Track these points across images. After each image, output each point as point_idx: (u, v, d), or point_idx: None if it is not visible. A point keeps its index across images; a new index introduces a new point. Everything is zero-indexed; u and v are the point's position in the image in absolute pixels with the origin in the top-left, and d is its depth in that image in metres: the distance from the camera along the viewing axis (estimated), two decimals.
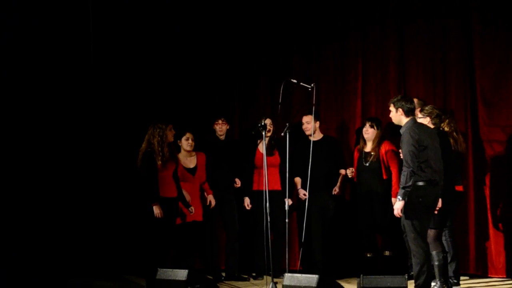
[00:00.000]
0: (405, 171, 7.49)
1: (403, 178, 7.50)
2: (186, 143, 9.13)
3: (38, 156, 9.81)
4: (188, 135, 9.14)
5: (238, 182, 9.45)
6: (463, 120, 9.32)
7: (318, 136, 9.48)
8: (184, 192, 8.91)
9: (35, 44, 9.85)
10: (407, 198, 7.50)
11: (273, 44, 10.15)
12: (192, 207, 8.87)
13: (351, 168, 9.27)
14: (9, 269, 9.34)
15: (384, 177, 8.98)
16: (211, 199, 9.25)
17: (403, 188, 7.50)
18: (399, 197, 7.53)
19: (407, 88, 9.60)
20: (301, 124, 9.50)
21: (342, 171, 9.38)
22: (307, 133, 9.38)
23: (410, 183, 7.45)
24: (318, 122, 9.44)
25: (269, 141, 9.37)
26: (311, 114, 9.23)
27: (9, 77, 9.75)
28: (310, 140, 9.14)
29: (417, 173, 7.49)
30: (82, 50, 9.96)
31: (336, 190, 9.36)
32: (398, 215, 7.62)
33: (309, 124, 9.33)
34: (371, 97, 9.79)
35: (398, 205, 7.55)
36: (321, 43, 9.99)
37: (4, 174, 9.64)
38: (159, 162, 8.55)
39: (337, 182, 9.42)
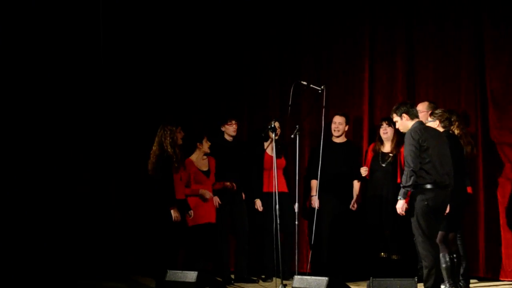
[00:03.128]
0: (406, 171, 7.51)
1: (404, 178, 7.53)
2: (206, 145, 9.13)
3: (47, 158, 9.83)
4: (206, 137, 9.14)
5: (231, 185, 9.39)
6: (473, 123, 9.30)
7: (341, 139, 9.50)
8: (203, 191, 8.93)
9: (45, 46, 9.86)
10: (416, 201, 7.50)
11: (282, 46, 10.15)
12: (191, 211, 8.86)
13: (365, 167, 9.25)
14: (19, 270, 9.36)
15: (398, 180, 8.93)
16: (217, 199, 9.24)
17: (403, 187, 7.51)
18: (399, 196, 7.57)
19: (416, 90, 9.59)
20: (314, 125, 9.51)
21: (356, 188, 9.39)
22: (336, 134, 9.39)
23: (410, 183, 7.46)
24: (347, 126, 9.47)
25: (276, 144, 9.36)
26: (344, 115, 9.29)
27: (18, 78, 9.77)
28: (333, 142, 9.30)
29: (422, 175, 7.49)
30: (92, 52, 9.98)
31: (354, 205, 9.35)
32: (400, 214, 7.64)
33: (341, 125, 9.40)
34: (379, 98, 9.78)
35: (399, 204, 7.58)
36: (330, 45, 9.98)
37: (15, 176, 9.66)
38: (175, 165, 8.55)
39: (351, 187, 9.41)
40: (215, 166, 9.27)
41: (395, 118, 7.79)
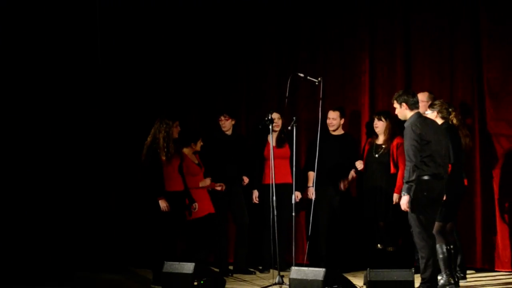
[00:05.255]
0: (408, 165, 7.50)
1: (406, 173, 7.51)
2: (199, 145, 9.18)
3: (44, 151, 9.84)
4: (201, 139, 9.17)
5: (246, 180, 9.46)
6: (470, 114, 9.30)
7: (339, 131, 9.51)
8: (202, 182, 8.97)
9: (41, 42, 9.89)
10: (413, 193, 7.50)
11: (280, 39, 10.13)
12: (196, 204, 8.88)
13: (360, 161, 9.27)
14: (17, 262, 9.37)
15: (392, 171, 8.96)
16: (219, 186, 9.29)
17: (407, 182, 7.50)
18: (403, 192, 7.55)
19: (414, 82, 9.59)
20: (311, 118, 9.55)
21: (354, 171, 9.37)
22: (331, 128, 9.41)
23: (413, 178, 7.46)
24: (343, 119, 9.47)
25: (279, 134, 9.37)
26: (338, 110, 9.30)
27: (15, 75, 9.78)
28: (330, 134, 9.35)
29: (421, 167, 7.49)
30: (89, 47, 9.99)
31: (345, 183, 9.35)
32: (405, 210, 7.63)
33: (335, 120, 9.41)
34: (378, 91, 9.78)
35: (404, 200, 7.56)
36: (328, 37, 9.97)
37: (10, 169, 9.66)
38: (163, 158, 8.58)
39: (346, 177, 9.43)
40: (211, 160, 9.31)
41: (395, 105, 7.81)
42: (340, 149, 9.41)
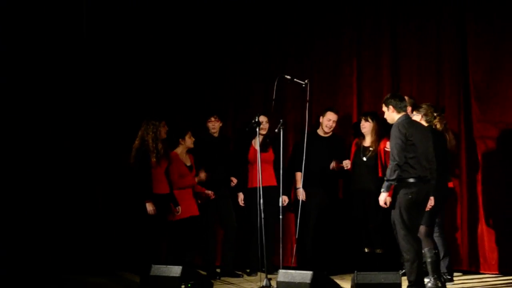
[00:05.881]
0: (391, 164, 7.53)
1: (388, 171, 7.55)
2: (190, 141, 9.11)
3: (31, 152, 9.80)
4: (190, 133, 9.14)
5: (234, 181, 9.45)
6: (456, 116, 9.33)
7: (327, 133, 9.52)
8: (202, 175, 9.00)
9: (26, 41, 9.85)
10: (399, 195, 7.53)
11: (267, 41, 10.14)
12: (180, 207, 8.87)
13: (347, 160, 9.27)
14: (3, 265, 9.33)
15: (380, 174, 8.96)
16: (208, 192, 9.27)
17: (387, 180, 7.54)
18: (382, 189, 7.60)
19: (401, 84, 9.61)
20: (298, 120, 9.58)
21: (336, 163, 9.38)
22: (327, 130, 9.39)
23: (394, 176, 7.49)
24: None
25: (264, 138, 9.36)
26: (337, 113, 9.34)
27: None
28: (318, 135, 9.34)
29: (406, 169, 7.51)
30: (75, 48, 9.96)
31: (337, 165, 9.34)
32: (383, 206, 7.68)
33: (334, 123, 9.39)
34: (365, 92, 9.80)
35: (382, 196, 7.61)
36: (315, 39, 9.99)
37: None
38: (153, 159, 8.57)
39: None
40: (199, 162, 9.27)
41: (384, 108, 7.85)
42: (329, 150, 9.40)
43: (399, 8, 9.66)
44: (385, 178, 7.58)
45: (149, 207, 8.54)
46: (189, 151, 9.18)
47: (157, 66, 10.20)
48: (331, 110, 9.43)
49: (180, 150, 9.09)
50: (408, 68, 9.64)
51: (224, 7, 10.16)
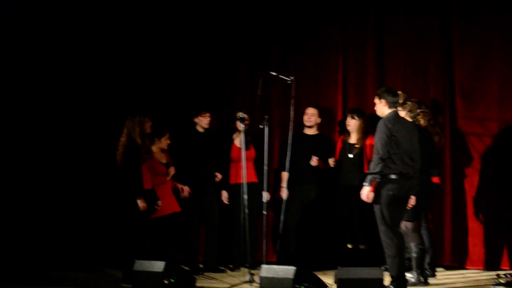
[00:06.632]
0: (375, 157, 7.56)
1: (372, 165, 7.58)
2: (165, 142, 9.15)
3: (14, 148, 9.79)
4: (168, 134, 9.14)
5: (218, 176, 9.45)
6: (442, 113, 9.34)
7: (313, 131, 9.51)
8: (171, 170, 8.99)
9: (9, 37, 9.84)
10: (380, 191, 7.55)
11: (252, 37, 10.12)
12: (160, 201, 8.86)
13: (333, 158, 9.27)
14: None
15: (365, 170, 8.96)
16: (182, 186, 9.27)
17: (370, 174, 7.56)
18: (365, 182, 7.61)
19: (386, 81, 9.61)
20: (283, 116, 9.59)
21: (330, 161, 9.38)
22: (308, 124, 9.40)
23: (377, 170, 7.51)
24: (320, 119, 9.49)
25: (245, 135, 9.35)
26: (317, 108, 9.36)
27: None
28: (305, 134, 9.35)
29: (389, 165, 7.53)
30: (59, 42, 9.95)
31: (318, 161, 9.33)
32: (366, 200, 7.67)
33: (313, 117, 9.41)
34: (350, 89, 9.80)
35: (364, 190, 7.61)
36: (300, 36, 9.98)
37: None
38: (144, 156, 8.56)
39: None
40: (184, 157, 9.30)
41: (376, 100, 7.87)
42: (315, 149, 9.40)
43: (385, 5, 9.66)
44: (368, 172, 7.59)
45: (141, 203, 8.52)
46: (181, 142, 9.19)
47: (141, 61, 10.16)
48: (310, 105, 9.47)
49: (155, 148, 9.09)
50: (394, 66, 9.64)
51: (210, 2, 10.14)
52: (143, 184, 8.60)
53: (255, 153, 9.45)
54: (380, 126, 7.64)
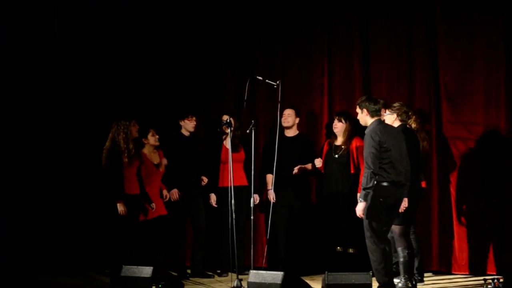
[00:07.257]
0: (366, 172, 7.53)
1: (364, 180, 7.55)
2: (153, 139, 9.14)
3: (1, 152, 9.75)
4: (152, 131, 9.12)
5: (204, 180, 9.44)
6: (427, 117, 9.35)
7: (293, 132, 9.51)
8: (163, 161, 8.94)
9: None
10: (370, 197, 7.54)
11: (238, 41, 10.14)
12: (154, 204, 8.86)
13: (319, 159, 9.29)
14: None
15: (352, 171, 9.00)
16: (167, 193, 9.26)
17: (364, 189, 7.55)
18: (360, 198, 7.59)
19: (372, 85, 9.63)
20: (269, 120, 9.61)
21: (309, 166, 9.38)
22: (286, 124, 9.40)
23: (370, 185, 7.50)
24: (298, 119, 9.48)
25: (233, 138, 9.35)
26: (293, 108, 9.36)
27: None
28: (285, 136, 9.32)
29: (380, 174, 7.54)
30: (45, 46, 9.91)
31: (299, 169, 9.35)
32: (360, 216, 7.68)
33: (290, 117, 9.41)
34: (336, 94, 9.81)
35: (359, 206, 7.61)
36: (286, 40, 9.99)
37: None
38: (125, 160, 8.55)
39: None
40: (169, 162, 9.27)
41: (358, 110, 7.86)
42: (297, 150, 9.41)
43: (370, 8, 9.66)
44: (362, 187, 7.58)
45: (120, 207, 8.52)
46: (158, 147, 9.17)
47: (127, 65, 10.16)
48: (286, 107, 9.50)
49: (147, 150, 9.09)
50: (379, 69, 9.64)
51: (195, 5, 10.13)
52: (124, 188, 8.59)
53: (245, 155, 9.43)
54: (367, 139, 7.63)
